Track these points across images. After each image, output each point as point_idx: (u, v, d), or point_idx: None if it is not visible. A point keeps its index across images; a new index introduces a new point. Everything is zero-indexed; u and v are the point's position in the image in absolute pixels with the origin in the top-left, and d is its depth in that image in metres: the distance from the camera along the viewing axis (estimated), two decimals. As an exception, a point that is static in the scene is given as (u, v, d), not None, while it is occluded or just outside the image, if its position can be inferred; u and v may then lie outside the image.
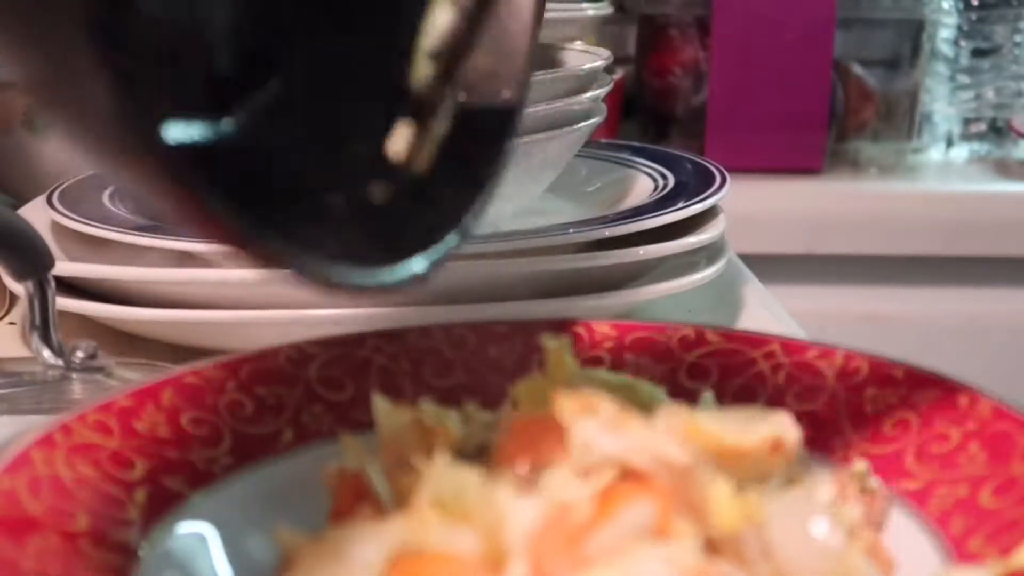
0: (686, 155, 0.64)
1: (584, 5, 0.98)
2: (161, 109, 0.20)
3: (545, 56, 0.62)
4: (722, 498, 0.28)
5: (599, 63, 0.57)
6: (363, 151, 0.25)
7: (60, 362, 0.46)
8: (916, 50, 1.37)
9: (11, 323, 0.56)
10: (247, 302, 0.48)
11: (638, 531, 0.27)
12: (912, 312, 1.31)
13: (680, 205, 0.53)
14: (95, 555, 0.29)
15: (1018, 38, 1.36)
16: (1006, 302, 1.31)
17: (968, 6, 1.35)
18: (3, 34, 0.19)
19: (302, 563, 0.28)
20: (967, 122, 1.40)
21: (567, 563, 0.26)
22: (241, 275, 0.49)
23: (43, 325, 0.46)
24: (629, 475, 0.28)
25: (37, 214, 0.56)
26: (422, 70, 0.26)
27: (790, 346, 0.38)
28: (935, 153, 1.40)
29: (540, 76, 0.53)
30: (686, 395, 0.38)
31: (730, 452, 0.30)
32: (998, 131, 1.39)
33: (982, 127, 1.40)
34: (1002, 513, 0.30)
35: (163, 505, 0.32)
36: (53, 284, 0.46)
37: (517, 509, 0.27)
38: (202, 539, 0.32)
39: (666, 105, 1.36)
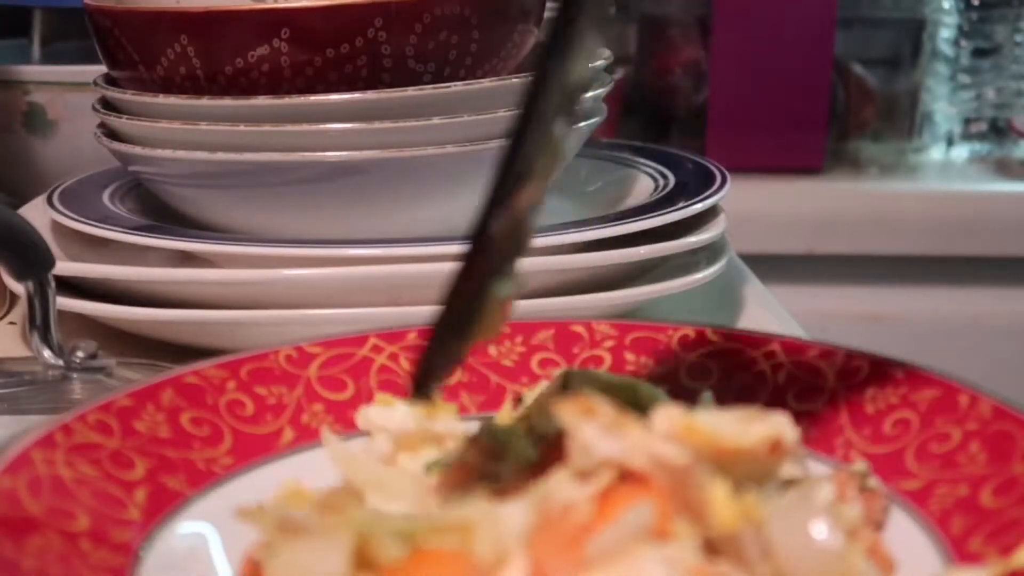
0: (686, 155, 0.64)
1: (584, 5, 0.97)
2: None
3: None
4: (721, 498, 0.28)
5: (599, 63, 0.57)
6: None
7: (60, 362, 0.46)
8: (917, 50, 1.37)
9: (11, 323, 0.56)
10: (247, 302, 0.48)
11: (638, 532, 0.26)
12: (912, 312, 1.31)
13: (680, 205, 0.53)
14: (95, 555, 0.29)
15: (1019, 38, 1.36)
16: (1006, 302, 1.31)
17: (969, 6, 1.35)
18: None
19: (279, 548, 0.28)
20: (968, 122, 1.40)
21: (567, 565, 0.26)
22: (241, 275, 0.49)
23: (43, 325, 0.46)
24: (628, 476, 0.28)
25: (37, 214, 0.56)
26: None
27: (790, 346, 0.38)
28: (936, 153, 1.40)
29: (540, 76, 0.53)
30: (686, 395, 0.38)
31: (729, 452, 0.30)
32: (999, 131, 1.39)
33: (983, 127, 1.40)
34: (1002, 513, 0.30)
35: (163, 505, 0.32)
36: (53, 284, 0.46)
37: (517, 510, 0.27)
38: (202, 539, 0.32)
39: (666, 105, 1.36)
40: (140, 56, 0.52)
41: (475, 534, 0.27)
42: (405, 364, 0.39)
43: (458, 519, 0.28)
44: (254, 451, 0.35)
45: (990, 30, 1.36)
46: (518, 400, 0.37)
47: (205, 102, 0.51)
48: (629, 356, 0.39)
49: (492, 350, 0.40)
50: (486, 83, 0.51)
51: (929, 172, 1.37)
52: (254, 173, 0.51)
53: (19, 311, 0.55)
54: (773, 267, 0.89)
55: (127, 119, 0.53)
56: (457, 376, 0.39)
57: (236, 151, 0.50)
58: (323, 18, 0.50)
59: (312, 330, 0.42)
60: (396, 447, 0.35)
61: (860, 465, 0.33)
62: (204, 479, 0.34)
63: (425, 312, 0.41)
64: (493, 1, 0.52)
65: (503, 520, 0.27)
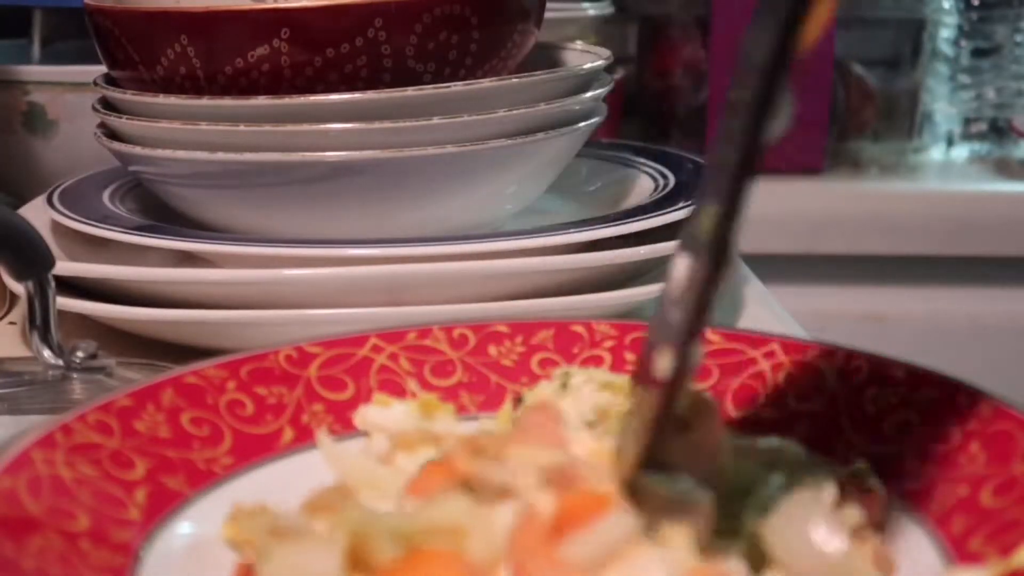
0: (686, 155, 0.64)
1: (584, 5, 0.98)
2: None
3: (545, 56, 0.62)
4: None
5: (599, 63, 0.57)
6: None
7: (60, 362, 0.46)
8: (917, 50, 1.37)
9: (11, 323, 0.56)
10: (247, 302, 0.48)
11: (615, 540, 0.27)
12: (912, 312, 1.31)
13: (680, 205, 0.53)
14: (95, 555, 0.29)
15: (1019, 38, 1.36)
16: (1006, 302, 1.31)
17: (969, 6, 1.35)
18: None
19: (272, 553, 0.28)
20: (968, 122, 1.40)
21: (548, 567, 0.26)
22: (241, 275, 0.49)
23: (43, 325, 0.46)
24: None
25: (37, 214, 0.56)
26: None
27: (790, 346, 0.38)
28: (936, 153, 1.40)
29: (540, 76, 0.53)
30: (686, 395, 0.38)
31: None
32: (999, 131, 1.39)
33: (983, 127, 1.40)
34: (1002, 513, 0.30)
35: (163, 505, 0.32)
36: (53, 284, 0.46)
37: (496, 514, 0.28)
38: (202, 539, 0.32)
39: (666, 105, 1.36)
40: (140, 56, 0.53)
41: (470, 535, 0.27)
42: (405, 364, 0.39)
43: (452, 520, 0.28)
44: (254, 451, 0.35)
45: (990, 30, 1.36)
46: (518, 400, 0.37)
47: (205, 102, 0.51)
48: (629, 356, 0.39)
49: (492, 350, 0.40)
50: (486, 83, 0.51)
51: (929, 172, 1.37)
52: (254, 173, 0.51)
53: (19, 311, 0.55)
54: (773, 267, 0.89)
55: (127, 119, 0.53)
56: (456, 376, 0.39)
57: (236, 151, 0.50)
58: (323, 18, 0.50)
59: (312, 330, 0.42)
60: (393, 446, 0.35)
61: (860, 465, 0.33)
62: (204, 479, 0.34)
63: (424, 312, 0.41)
64: (493, 1, 0.52)
65: (496, 522, 0.27)
